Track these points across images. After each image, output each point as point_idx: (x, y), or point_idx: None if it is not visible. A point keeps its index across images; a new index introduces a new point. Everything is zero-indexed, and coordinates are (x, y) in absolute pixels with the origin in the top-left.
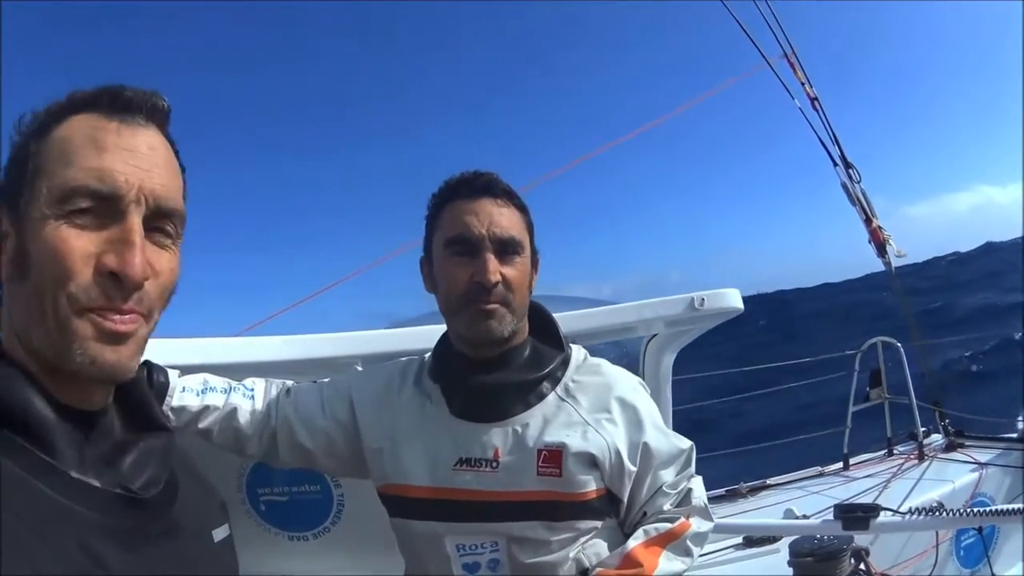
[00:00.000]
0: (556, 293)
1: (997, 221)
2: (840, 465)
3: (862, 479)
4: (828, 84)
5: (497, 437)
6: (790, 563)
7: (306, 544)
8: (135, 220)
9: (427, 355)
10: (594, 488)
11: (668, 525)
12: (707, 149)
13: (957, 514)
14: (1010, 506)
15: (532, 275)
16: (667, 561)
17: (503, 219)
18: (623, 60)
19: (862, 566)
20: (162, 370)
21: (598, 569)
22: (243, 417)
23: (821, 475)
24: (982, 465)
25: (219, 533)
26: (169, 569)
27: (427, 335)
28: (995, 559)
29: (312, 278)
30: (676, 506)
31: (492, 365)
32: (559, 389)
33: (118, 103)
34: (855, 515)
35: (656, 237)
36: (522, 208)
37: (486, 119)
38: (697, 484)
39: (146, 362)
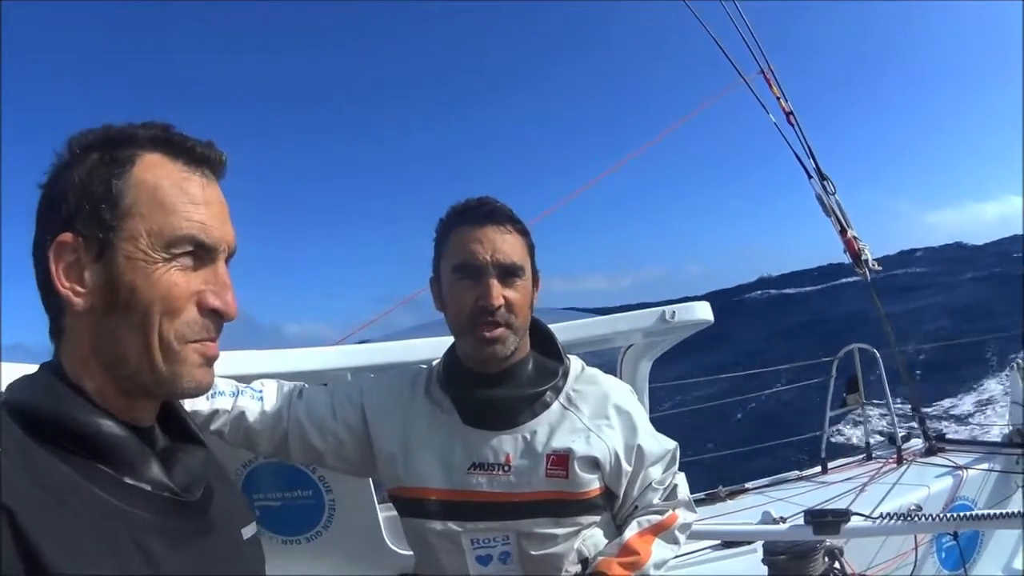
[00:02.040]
0: (573, 287)
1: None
2: (818, 469)
3: (840, 483)
4: (855, 89)
5: (508, 444)
6: (764, 561)
7: (298, 547)
8: (224, 266)
9: (435, 364)
10: (596, 487)
11: (658, 517)
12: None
13: (929, 519)
14: (983, 511)
15: (533, 294)
16: (659, 549)
17: (506, 245)
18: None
19: (836, 564)
20: None
21: (600, 558)
22: (252, 418)
23: (800, 479)
24: (961, 468)
25: (247, 531)
26: (209, 563)
27: (414, 348)
28: (978, 561)
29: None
30: (664, 500)
31: (499, 378)
32: (561, 398)
33: (195, 156)
34: (826, 519)
35: (674, 232)
36: (523, 232)
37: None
38: (682, 480)
39: None
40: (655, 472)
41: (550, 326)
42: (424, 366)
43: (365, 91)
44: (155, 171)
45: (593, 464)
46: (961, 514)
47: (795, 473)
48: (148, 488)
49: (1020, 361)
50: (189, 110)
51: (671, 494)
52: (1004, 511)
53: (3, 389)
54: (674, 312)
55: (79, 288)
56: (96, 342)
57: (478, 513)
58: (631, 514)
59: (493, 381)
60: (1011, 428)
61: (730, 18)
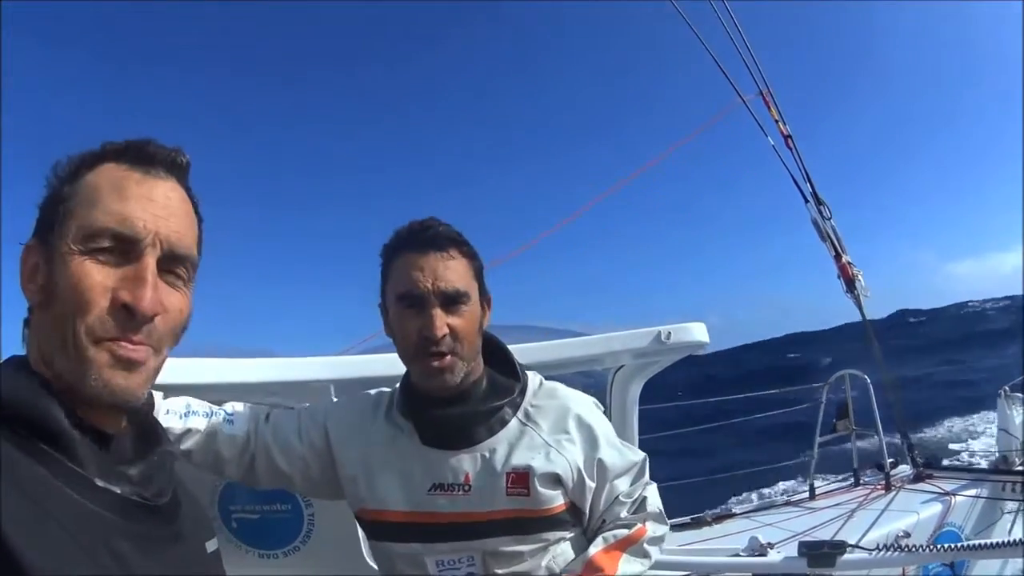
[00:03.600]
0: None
1: None
2: (806, 494)
3: (828, 508)
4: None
5: (466, 463)
6: None
7: (276, 561)
8: (150, 261)
9: (396, 387)
10: (560, 503)
11: (625, 531)
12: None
13: (925, 550)
14: (979, 541)
15: (483, 316)
16: (626, 563)
17: (448, 272)
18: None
19: None
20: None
21: (564, 575)
22: (223, 441)
23: (787, 504)
24: (949, 495)
25: (210, 545)
26: (178, 570)
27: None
28: None
29: None
30: (632, 513)
31: (454, 399)
32: (520, 414)
33: (143, 156)
34: (821, 551)
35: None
36: (469, 255)
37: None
38: (652, 491)
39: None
40: (621, 485)
41: (540, 344)
42: (387, 390)
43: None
44: (100, 175)
45: (555, 480)
46: (958, 544)
47: (783, 498)
48: (118, 491)
49: (1007, 389)
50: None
51: (640, 507)
52: (1002, 540)
53: None
54: (670, 333)
55: (32, 286)
56: (38, 339)
57: (441, 534)
58: (599, 528)
59: (448, 402)
60: (998, 455)
61: (731, 39)
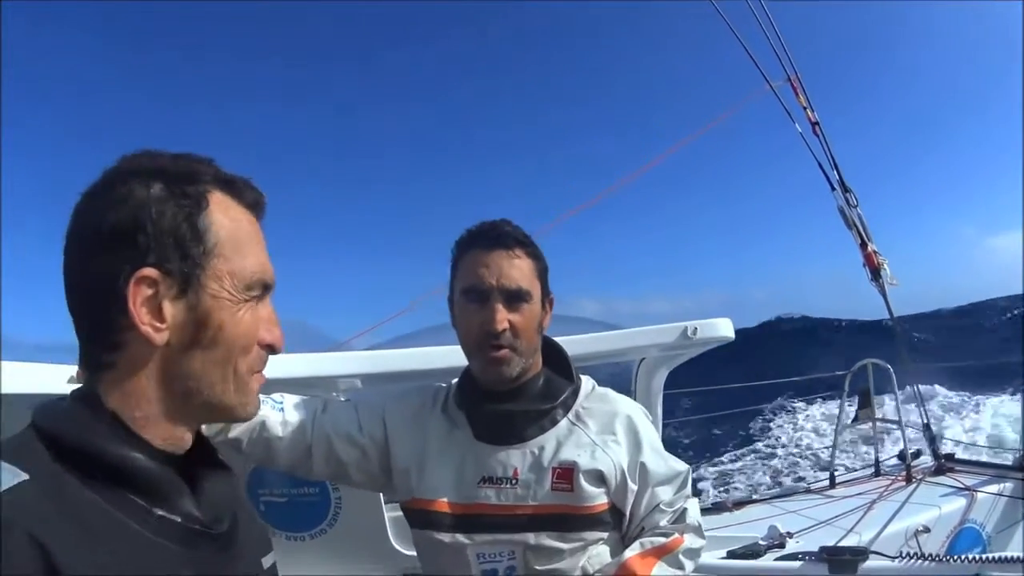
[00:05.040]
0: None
1: None
2: (827, 483)
3: (848, 498)
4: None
5: (516, 458)
6: None
7: (302, 544)
8: (269, 304)
9: (454, 382)
10: (602, 502)
11: (663, 539)
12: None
13: (954, 560)
14: (1010, 554)
15: (543, 316)
16: (660, 571)
17: (513, 270)
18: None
19: None
20: None
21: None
22: (274, 429)
23: (808, 492)
24: (971, 490)
25: (267, 561)
26: None
27: (423, 357)
28: None
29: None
30: (672, 523)
31: (509, 395)
32: (571, 415)
33: (252, 199)
34: (843, 558)
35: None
36: (534, 256)
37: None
38: (692, 505)
39: None
40: (663, 494)
41: (571, 337)
42: (444, 385)
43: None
44: (228, 212)
45: (598, 478)
46: (991, 556)
47: (803, 485)
48: (179, 520)
49: None
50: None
51: (679, 518)
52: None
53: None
54: (696, 328)
55: (158, 324)
56: (169, 375)
57: (485, 526)
58: (637, 535)
59: (504, 397)
60: (1021, 452)
61: (758, 21)
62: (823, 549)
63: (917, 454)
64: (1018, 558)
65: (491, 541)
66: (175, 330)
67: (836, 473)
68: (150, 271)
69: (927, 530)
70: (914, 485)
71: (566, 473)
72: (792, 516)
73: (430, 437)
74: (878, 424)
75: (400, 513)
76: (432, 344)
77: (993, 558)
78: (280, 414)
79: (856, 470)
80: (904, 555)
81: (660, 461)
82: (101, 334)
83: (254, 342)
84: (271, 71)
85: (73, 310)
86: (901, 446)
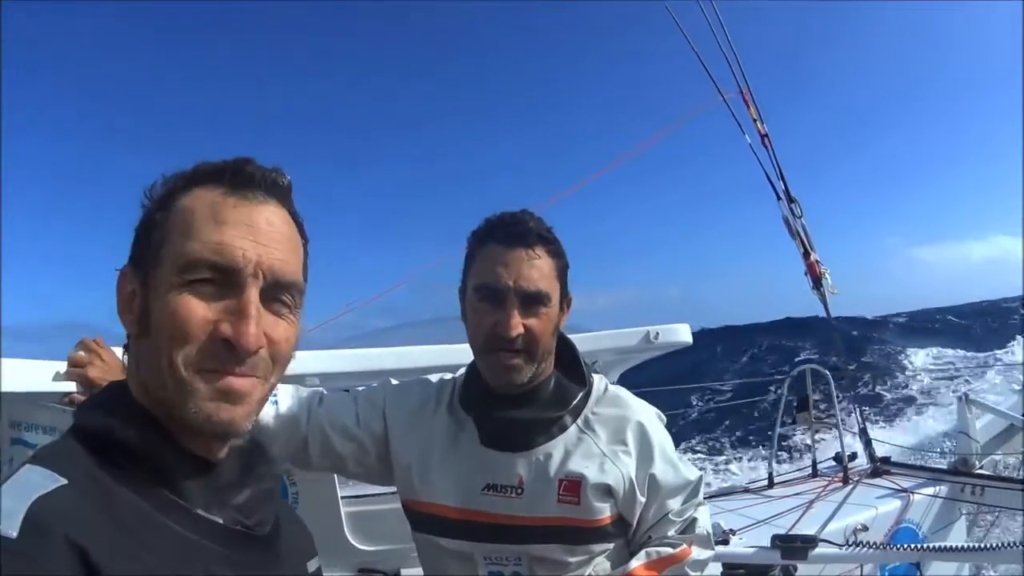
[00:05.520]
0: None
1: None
2: (765, 483)
3: (787, 498)
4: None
5: (521, 465)
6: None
7: None
8: (252, 292)
9: (459, 375)
10: (609, 515)
11: (670, 550)
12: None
13: (897, 548)
14: (949, 543)
15: (560, 318)
16: None
17: (532, 271)
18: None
19: None
20: None
21: None
22: (267, 420)
23: (746, 491)
24: (907, 492)
25: (312, 565)
26: None
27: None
28: None
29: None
30: (680, 533)
31: (518, 399)
32: (580, 421)
33: (239, 179)
34: (794, 545)
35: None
36: (556, 254)
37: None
38: (703, 513)
39: None
40: (673, 503)
41: None
42: (449, 377)
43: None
44: (195, 200)
45: (606, 491)
46: (929, 545)
47: (741, 485)
48: (220, 521)
49: (967, 395)
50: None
51: (688, 527)
52: (976, 544)
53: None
54: (658, 333)
55: (128, 315)
56: (138, 367)
57: (490, 534)
58: (644, 543)
59: (512, 402)
60: (957, 457)
61: (714, 36)
62: (776, 537)
63: (853, 457)
64: (958, 547)
65: (497, 549)
66: (134, 322)
67: (774, 474)
68: (126, 268)
69: (865, 528)
70: (851, 486)
71: (573, 486)
72: (731, 515)
73: (435, 437)
74: (815, 427)
75: (357, 508)
76: (407, 339)
77: (933, 547)
78: (274, 407)
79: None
80: (851, 543)
81: (671, 471)
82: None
83: (189, 331)
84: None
85: None
86: (838, 449)
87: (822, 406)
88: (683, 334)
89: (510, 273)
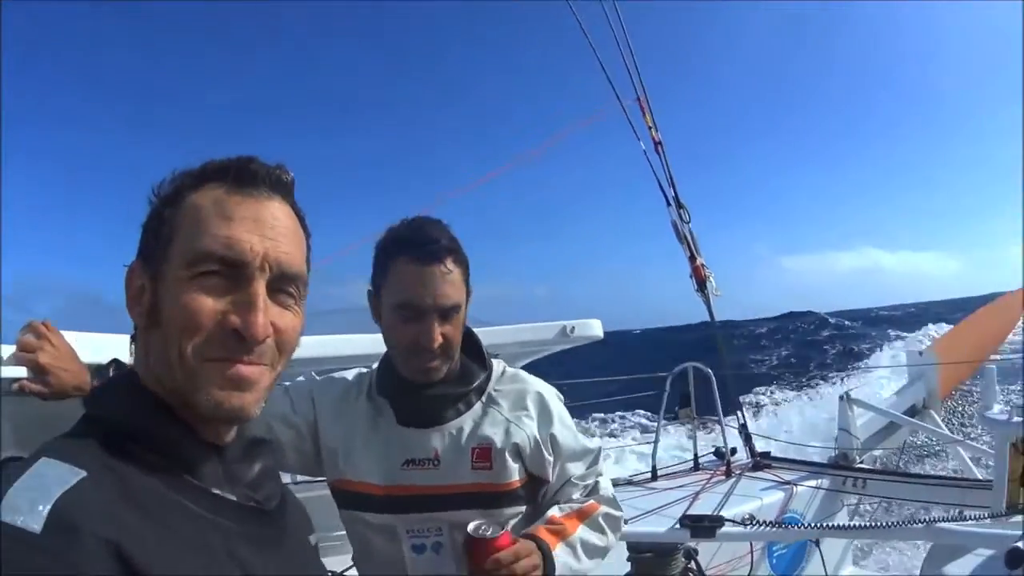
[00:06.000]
0: None
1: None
2: (648, 476)
3: (672, 490)
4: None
5: (436, 440)
6: (629, 559)
7: None
8: (259, 284)
9: (374, 367)
10: (519, 478)
11: (579, 505)
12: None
13: (798, 527)
14: (847, 522)
15: (465, 313)
16: (585, 531)
17: (448, 287)
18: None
19: (692, 564)
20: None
21: (526, 530)
22: None
23: (629, 484)
24: (791, 484)
25: (312, 539)
26: (294, 568)
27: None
28: (806, 568)
29: None
30: (584, 496)
31: (428, 383)
32: (484, 398)
33: (246, 176)
34: (702, 524)
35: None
36: (462, 261)
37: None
38: (605, 480)
39: (120, 365)
40: (574, 468)
41: None
42: (366, 370)
43: None
44: (202, 197)
45: (515, 453)
46: (830, 524)
47: (624, 478)
48: (233, 498)
49: (848, 394)
50: None
51: (592, 491)
52: (873, 522)
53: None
54: (574, 327)
55: (138, 308)
56: (147, 358)
57: (413, 506)
58: (551, 505)
59: (423, 385)
60: (836, 452)
61: (616, 43)
62: (685, 517)
63: (733, 451)
64: (853, 526)
65: (419, 520)
66: (143, 315)
67: (657, 467)
68: (135, 263)
69: (752, 518)
70: (734, 479)
71: (484, 452)
72: (622, 505)
73: (356, 422)
74: (697, 422)
75: (308, 494)
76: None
77: (832, 526)
78: None
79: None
80: (755, 522)
81: (570, 436)
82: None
83: (199, 322)
84: None
85: None
86: (718, 444)
87: (704, 403)
88: (596, 329)
89: (429, 292)
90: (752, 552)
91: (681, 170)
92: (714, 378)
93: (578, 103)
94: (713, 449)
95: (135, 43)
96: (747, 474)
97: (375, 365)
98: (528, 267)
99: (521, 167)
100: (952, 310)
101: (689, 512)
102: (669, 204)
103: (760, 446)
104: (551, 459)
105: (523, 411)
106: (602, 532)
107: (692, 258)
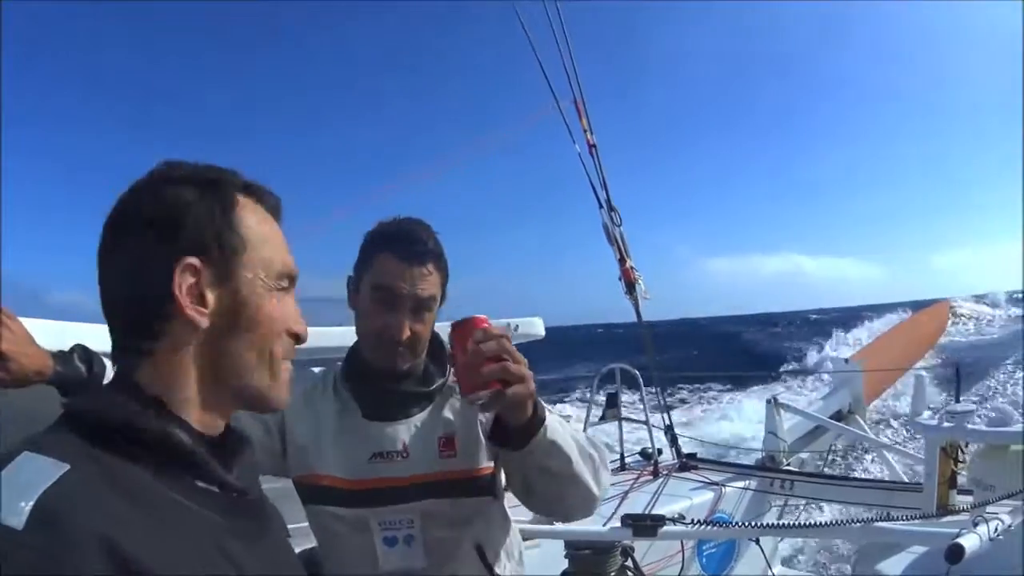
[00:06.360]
0: None
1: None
2: None
3: None
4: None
5: (403, 432)
6: (566, 556)
7: None
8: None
9: (339, 364)
10: (486, 465)
11: None
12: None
13: (739, 525)
14: (790, 521)
15: (435, 315)
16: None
17: (426, 284)
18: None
19: (628, 562)
20: (99, 359)
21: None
22: None
23: None
24: (719, 485)
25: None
26: (278, 561)
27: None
28: (735, 567)
29: None
30: None
31: (392, 376)
32: (446, 390)
33: (271, 204)
34: (644, 523)
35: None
36: (443, 268)
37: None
38: None
39: (86, 351)
40: None
41: None
42: (329, 369)
43: None
44: (254, 212)
45: (477, 438)
46: (769, 523)
47: None
48: (216, 490)
49: (776, 398)
50: None
51: None
52: (814, 522)
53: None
54: (517, 325)
55: (202, 308)
56: (209, 361)
57: (384, 498)
58: None
59: (387, 378)
60: (764, 454)
61: (556, 43)
62: (627, 516)
63: (659, 453)
64: (793, 525)
65: (391, 512)
66: (216, 315)
67: None
68: (193, 260)
69: (683, 518)
70: (662, 479)
71: (449, 442)
72: None
73: (323, 418)
74: (623, 423)
75: (275, 485)
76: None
77: (772, 524)
78: None
79: None
80: (696, 522)
81: None
82: (143, 323)
83: (285, 328)
84: None
85: (111, 302)
86: (644, 445)
87: (631, 404)
88: (538, 327)
89: (407, 284)
90: (683, 551)
91: (615, 173)
92: (641, 379)
93: (521, 102)
94: (639, 449)
95: (135, 43)
96: (674, 475)
97: (338, 363)
98: (465, 264)
99: (466, 163)
100: (877, 315)
101: (618, 511)
102: (601, 207)
103: (686, 448)
104: None
105: None
106: (595, 449)
107: (622, 260)
